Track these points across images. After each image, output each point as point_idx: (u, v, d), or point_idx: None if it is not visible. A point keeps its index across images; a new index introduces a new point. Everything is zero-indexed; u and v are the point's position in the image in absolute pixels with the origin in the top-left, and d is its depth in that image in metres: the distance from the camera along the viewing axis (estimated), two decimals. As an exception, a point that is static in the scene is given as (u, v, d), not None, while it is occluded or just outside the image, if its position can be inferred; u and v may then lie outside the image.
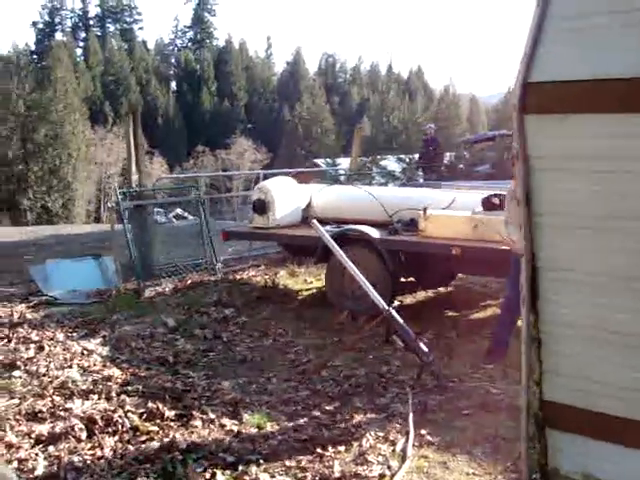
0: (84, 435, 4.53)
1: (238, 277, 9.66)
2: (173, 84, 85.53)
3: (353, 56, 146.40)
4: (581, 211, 2.24)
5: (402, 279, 7.78)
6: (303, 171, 13.31)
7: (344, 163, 20.07)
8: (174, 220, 19.33)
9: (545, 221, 2.27)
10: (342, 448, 4.48)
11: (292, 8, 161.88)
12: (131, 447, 4.40)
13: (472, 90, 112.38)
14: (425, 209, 7.18)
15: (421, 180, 14.27)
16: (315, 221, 6.32)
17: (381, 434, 4.68)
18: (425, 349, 5.51)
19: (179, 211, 20.00)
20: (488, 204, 6.83)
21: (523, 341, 2.24)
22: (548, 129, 2.28)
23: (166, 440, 4.48)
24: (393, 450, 4.46)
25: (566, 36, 2.22)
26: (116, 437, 4.55)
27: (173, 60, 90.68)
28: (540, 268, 2.28)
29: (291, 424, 4.85)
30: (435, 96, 76.12)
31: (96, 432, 4.58)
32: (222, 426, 4.80)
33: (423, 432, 4.69)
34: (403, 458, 4.35)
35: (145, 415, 4.88)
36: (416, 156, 16.87)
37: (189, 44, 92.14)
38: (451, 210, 7.38)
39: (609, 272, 2.20)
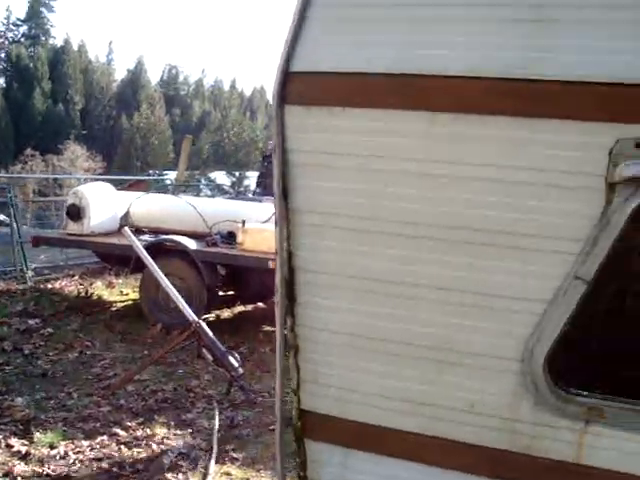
0: None
1: (50, 286, 9.13)
2: (1, 80, 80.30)
3: (197, 69, 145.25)
4: (343, 211, 2.17)
5: (221, 292, 7.68)
6: (129, 180, 12.89)
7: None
8: (-7, 227, 18.02)
9: (304, 219, 2.20)
10: (141, 466, 4.30)
11: (136, 15, 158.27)
12: None
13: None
14: (244, 222, 7.14)
15: (250, 195, 14.33)
16: (127, 229, 6.07)
17: (184, 451, 4.56)
18: (235, 363, 5.43)
19: (1, 217, 18.68)
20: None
21: (277, 347, 2.18)
22: (310, 122, 2.17)
23: (-64, 466, 4.06)
24: (194, 467, 4.34)
25: (333, 25, 2.15)
26: None
27: (3, 54, 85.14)
28: (297, 269, 2.21)
29: (88, 442, 4.60)
30: (277, 115, 76.97)
31: None
32: (9, 447, 4.47)
33: (228, 448, 4.63)
34: (204, 475, 4.24)
35: None
36: (248, 173, 17.02)
37: (22, 39, 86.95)
38: (270, 224, 7.39)
39: (369, 276, 2.17)
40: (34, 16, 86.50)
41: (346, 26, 2.13)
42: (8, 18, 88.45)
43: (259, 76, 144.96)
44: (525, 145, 1.91)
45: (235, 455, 4.56)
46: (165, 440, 4.71)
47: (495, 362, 2.06)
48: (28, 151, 57.06)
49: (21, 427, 4.79)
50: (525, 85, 1.87)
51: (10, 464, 4.16)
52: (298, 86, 2.15)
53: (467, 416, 2.10)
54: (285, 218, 2.19)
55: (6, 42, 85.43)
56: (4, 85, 78.39)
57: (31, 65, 78.41)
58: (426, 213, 2.08)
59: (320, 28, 2.15)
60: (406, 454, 2.17)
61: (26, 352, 6.56)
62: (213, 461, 4.42)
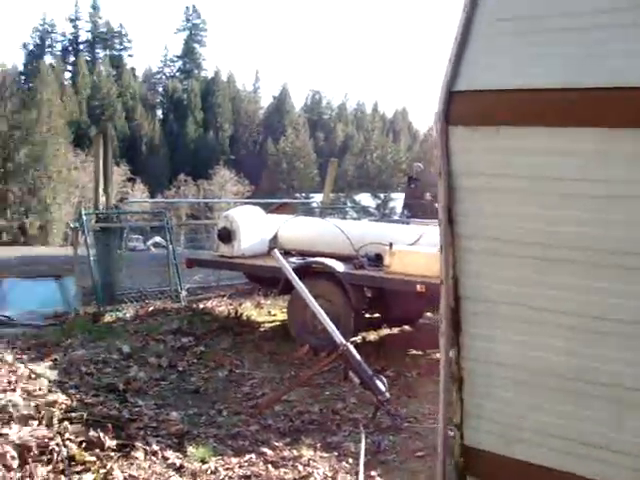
0: (15, 464, 4.27)
1: (202, 306, 9.48)
2: (159, 112, 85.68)
3: (339, 94, 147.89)
4: (514, 236, 2.02)
5: (367, 315, 7.64)
6: (276, 203, 13.21)
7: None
8: (152, 248, 19.13)
9: (473, 246, 2.07)
10: (288, 487, 4.30)
11: (281, 43, 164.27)
12: (64, 478, 4.17)
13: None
14: (391, 244, 7.08)
15: (395, 217, 14.26)
16: (276, 251, 6.19)
17: (329, 474, 4.51)
18: (382, 387, 5.35)
19: (158, 239, 19.76)
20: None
21: (442, 379, 2.03)
22: (477, 143, 2.05)
23: (102, 471, 4.25)
24: (341, 491, 4.29)
25: (497, 41, 2.00)
26: (50, 467, 4.30)
27: (160, 89, 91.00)
28: (464, 298, 2.08)
29: (237, 459, 4.66)
30: (419, 136, 76.76)
31: (29, 461, 4.33)
32: (165, 459, 4.58)
33: (373, 474, 4.53)
34: (350, 500, 4.17)
35: (85, 444, 4.64)
36: (392, 194, 16.92)
37: (177, 73, 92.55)
38: (418, 246, 7.28)
39: (542, 307, 1.97)
40: (188, 52, 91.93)
41: (512, 41, 1.97)
42: (165, 56, 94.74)
43: (401, 98, 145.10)
44: None
45: (381, 481, 4.47)
46: (311, 462, 4.68)
47: None
48: (181, 177, 60.41)
49: (175, 440, 4.92)
50: None
51: (166, 475, 4.28)
52: (463, 106, 2.02)
53: None
54: (451, 244, 2.07)
55: (163, 77, 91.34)
56: (161, 117, 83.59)
57: (185, 97, 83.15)
58: (607, 238, 1.86)
59: (485, 44, 2.00)
60: (579, 500, 1.95)
61: (180, 369, 6.82)
62: (359, 486, 4.34)
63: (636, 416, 1.87)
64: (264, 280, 8.83)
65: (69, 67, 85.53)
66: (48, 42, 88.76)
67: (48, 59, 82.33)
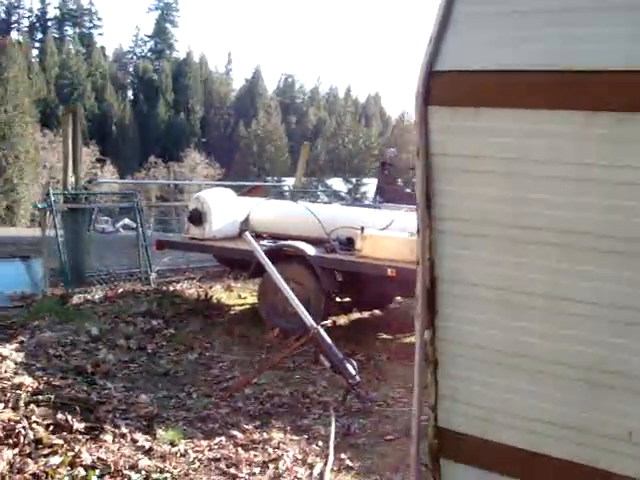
0: (-20, 447, 4.22)
1: (171, 288, 9.43)
2: (130, 93, 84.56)
3: (312, 78, 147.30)
4: (490, 218, 2.00)
5: (337, 299, 7.65)
6: (248, 185, 13.14)
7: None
8: (121, 230, 18.99)
9: (448, 227, 2.06)
10: (257, 470, 4.30)
11: (254, 25, 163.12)
12: (31, 461, 4.12)
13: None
14: (362, 228, 7.08)
15: (366, 202, 14.28)
16: (247, 234, 6.16)
17: (299, 456, 4.53)
18: (352, 371, 5.38)
19: (127, 221, 19.62)
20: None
21: (416, 361, 2.03)
22: (455, 124, 2.03)
23: (70, 454, 4.21)
24: (310, 474, 4.30)
25: (478, 21, 1.99)
26: (16, 450, 4.24)
27: (131, 69, 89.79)
28: (440, 280, 2.07)
29: (206, 442, 4.65)
30: (391, 122, 76.99)
31: (-6, 444, 4.27)
32: (134, 441, 4.56)
33: (343, 456, 4.56)
34: (319, 483, 4.19)
35: (52, 427, 4.59)
36: (364, 179, 16.93)
37: (149, 54, 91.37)
38: (389, 231, 7.30)
39: (518, 289, 1.98)
40: (160, 32, 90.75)
41: (494, 22, 1.96)
42: (137, 35, 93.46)
43: (373, 83, 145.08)
44: None
45: (350, 464, 4.48)
46: (281, 445, 4.69)
47: None
48: (151, 158, 59.88)
49: (145, 423, 4.90)
50: None
51: (135, 458, 4.26)
52: (443, 86, 2.01)
53: (623, 445, 1.88)
54: (428, 226, 2.06)
55: (134, 57, 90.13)
56: (132, 97, 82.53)
57: (156, 78, 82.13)
58: (584, 222, 1.88)
59: (467, 24, 1.99)
60: (552, 482, 1.98)
61: (149, 351, 6.78)
62: (329, 469, 4.36)
63: (614, 399, 1.90)
64: (235, 263, 8.79)
65: (36, 44, 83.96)
66: (14, 18, 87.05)
67: (14, 35, 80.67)
